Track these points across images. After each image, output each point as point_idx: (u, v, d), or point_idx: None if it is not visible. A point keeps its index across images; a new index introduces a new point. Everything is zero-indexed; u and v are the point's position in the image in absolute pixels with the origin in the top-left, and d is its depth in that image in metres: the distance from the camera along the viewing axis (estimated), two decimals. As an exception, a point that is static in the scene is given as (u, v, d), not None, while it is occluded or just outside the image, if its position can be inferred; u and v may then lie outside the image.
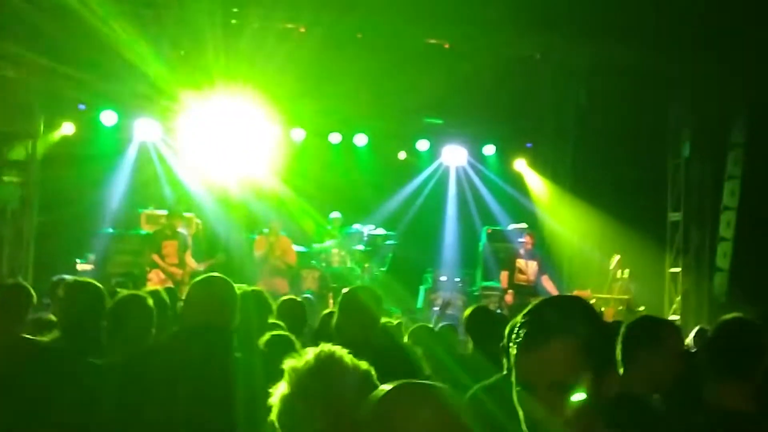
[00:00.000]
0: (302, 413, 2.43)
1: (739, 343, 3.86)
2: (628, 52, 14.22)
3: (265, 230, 14.59)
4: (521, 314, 2.12)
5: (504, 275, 14.11)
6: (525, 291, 13.62)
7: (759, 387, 3.73)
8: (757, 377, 3.76)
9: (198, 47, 14.23)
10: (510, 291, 13.83)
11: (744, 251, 14.02)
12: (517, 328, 2.10)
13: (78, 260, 13.97)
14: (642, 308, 13.44)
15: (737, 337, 3.90)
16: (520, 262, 14.02)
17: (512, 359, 2.10)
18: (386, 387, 1.98)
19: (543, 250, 16.51)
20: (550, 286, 14.05)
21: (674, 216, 15.59)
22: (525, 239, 14.26)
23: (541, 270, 14.12)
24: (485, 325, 6.60)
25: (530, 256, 14.13)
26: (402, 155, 17.14)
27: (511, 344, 2.11)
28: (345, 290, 5.44)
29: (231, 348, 4.22)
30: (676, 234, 15.52)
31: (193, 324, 4.30)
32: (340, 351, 2.56)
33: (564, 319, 2.07)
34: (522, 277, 13.97)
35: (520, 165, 17.29)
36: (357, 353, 2.59)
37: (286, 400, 2.46)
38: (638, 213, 14.78)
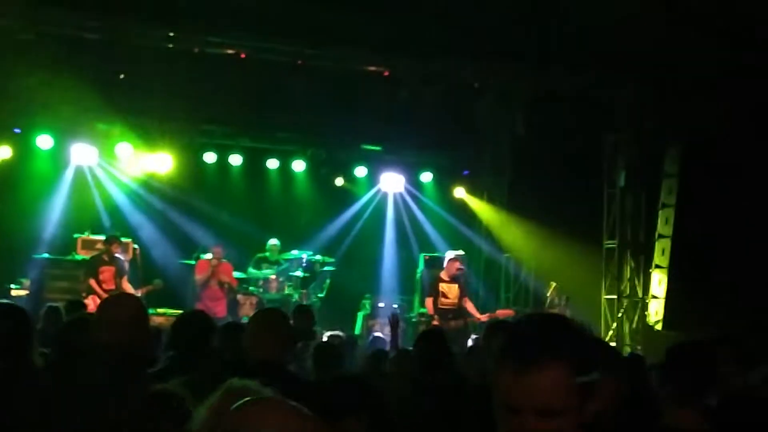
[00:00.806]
0: None
1: (693, 367, 3.97)
2: (565, 80, 14.51)
3: (207, 255, 14.53)
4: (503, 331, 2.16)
5: (429, 302, 14.13)
6: (448, 315, 13.74)
7: (713, 409, 3.83)
8: (711, 399, 3.86)
9: (137, 71, 14.18)
10: (436, 316, 13.88)
11: (678, 278, 14.30)
12: (501, 349, 2.06)
13: (12, 286, 13.72)
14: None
15: (691, 361, 4.01)
16: (443, 287, 14.09)
17: (496, 379, 2.06)
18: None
19: (480, 276, 16.72)
20: (471, 308, 14.05)
21: (610, 243, 15.84)
22: (452, 263, 14.29)
23: (462, 293, 14.18)
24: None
25: (453, 279, 14.20)
26: (339, 181, 17.17)
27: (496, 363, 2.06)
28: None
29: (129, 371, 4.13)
30: (612, 261, 15.76)
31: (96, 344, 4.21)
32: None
33: (556, 341, 2.03)
34: (446, 301, 13.99)
35: (458, 192, 17.45)
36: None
37: None
38: (575, 240, 14.98)
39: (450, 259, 14.34)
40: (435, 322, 13.72)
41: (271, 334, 4.95)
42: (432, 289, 14.18)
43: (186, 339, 5.01)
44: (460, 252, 15.84)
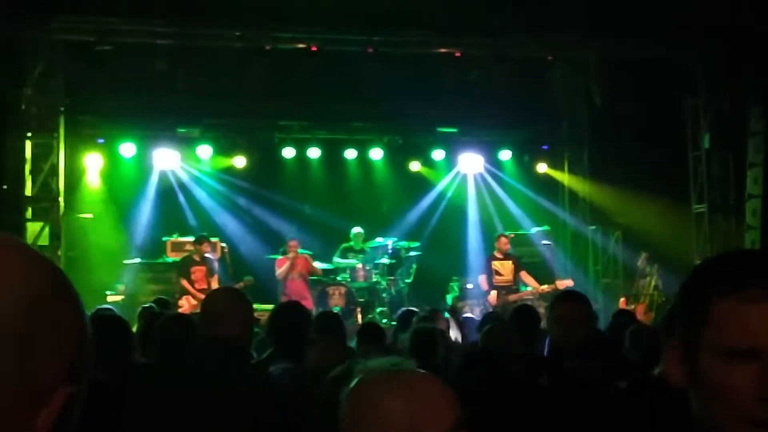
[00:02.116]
0: None
1: None
2: (639, 45, 14.28)
3: (296, 248, 14.68)
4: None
5: (482, 279, 14.29)
6: (503, 291, 13.95)
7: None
8: None
9: (210, 73, 14.42)
10: (493, 292, 14.00)
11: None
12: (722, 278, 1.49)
13: (108, 292, 14.06)
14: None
15: None
16: (496, 264, 14.18)
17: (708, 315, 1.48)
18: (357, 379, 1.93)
19: (567, 250, 16.60)
20: (529, 281, 14.18)
21: (699, 207, 15.53)
22: (501, 241, 14.41)
23: (518, 267, 14.25)
24: None
25: (506, 256, 14.28)
26: (416, 166, 17.19)
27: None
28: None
29: (242, 360, 4.20)
30: (702, 225, 15.47)
31: (203, 336, 4.29)
32: None
33: None
34: (500, 278, 14.14)
35: (539, 167, 17.34)
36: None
37: None
38: (662, 207, 14.78)
39: (499, 236, 14.50)
40: (491, 297, 13.90)
41: None
42: (485, 268, 14.34)
43: (285, 330, 5.09)
44: (545, 227, 15.86)
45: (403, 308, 10.60)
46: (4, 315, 0.99)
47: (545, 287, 13.91)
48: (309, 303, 14.46)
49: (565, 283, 13.98)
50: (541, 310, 9.11)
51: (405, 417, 1.81)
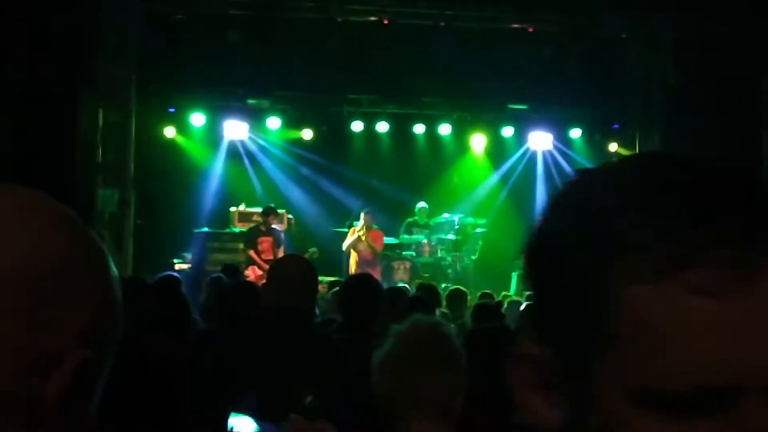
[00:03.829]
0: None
1: None
2: (716, 24, 13.98)
3: (356, 222, 14.71)
4: None
5: None
6: None
7: None
8: None
9: (282, 44, 14.45)
10: None
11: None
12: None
13: (175, 260, 14.22)
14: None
15: None
16: None
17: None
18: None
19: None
20: None
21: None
22: None
23: None
24: None
25: None
26: (486, 142, 17.06)
27: None
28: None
29: (306, 329, 4.19)
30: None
31: (271, 304, 4.29)
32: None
33: None
34: None
35: (610, 146, 17.11)
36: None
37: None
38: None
39: None
40: None
41: None
42: None
43: (356, 301, 5.07)
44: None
45: None
46: (16, 272, 0.96)
47: None
48: (377, 276, 14.51)
49: None
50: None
51: None
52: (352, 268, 14.28)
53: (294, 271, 4.24)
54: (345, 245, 14.66)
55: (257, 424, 1.07)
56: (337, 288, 7.48)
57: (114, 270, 1.06)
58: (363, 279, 5.93)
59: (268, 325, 4.15)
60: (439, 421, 2.65)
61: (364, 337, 4.75)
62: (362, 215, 14.69)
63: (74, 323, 0.99)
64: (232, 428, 1.08)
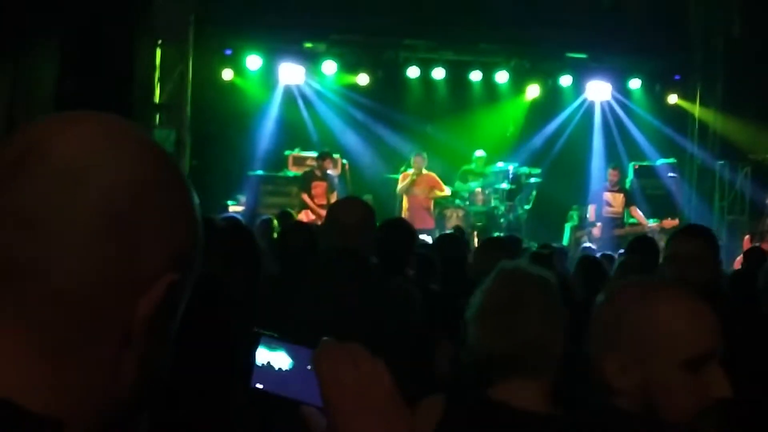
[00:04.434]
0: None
1: None
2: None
3: (409, 168, 14.66)
4: None
5: (591, 209, 14.42)
6: (613, 223, 14.12)
7: None
8: None
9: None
10: (598, 224, 14.12)
11: None
12: None
13: (229, 202, 14.30)
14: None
15: None
16: (608, 195, 14.30)
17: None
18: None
19: (693, 184, 16.20)
20: (638, 216, 14.27)
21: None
22: (611, 173, 14.50)
23: (629, 201, 14.34)
24: None
25: (617, 188, 14.37)
26: (542, 92, 16.89)
27: None
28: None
29: (363, 271, 4.17)
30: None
31: (327, 247, 4.26)
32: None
33: None
34: (609, 209, 14.25)
35: (670, 98, 16.85)
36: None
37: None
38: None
39: (611, 168, 14.58)
40: (595, 230, 14.12)
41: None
42: (596, 198, 14.48)
43: (390, 244, 5.06)
44: (672, 160, 15.52)
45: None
46: (110, 196, 0.98)
47: (654, 224, 13.90)
48: (431, 221, 14.48)
49: (672, 223, 13.82)
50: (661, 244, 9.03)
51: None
52: (404, 213, 14.26)
53: (351, 214, 4.22)
54: (398, 190, 14.66)
55: (290, 351, 1.06)
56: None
57: (194, 193, 1.08)
58: (395, 222, 5.93)
59: (325, 266, 4.15)
60: (537, 379, 2.50)
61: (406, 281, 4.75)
62: (413, 158, 14.64)
63: (164, 246, 1.01)
64: (264, 364, 1.06)
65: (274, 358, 1.16)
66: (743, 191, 15.81)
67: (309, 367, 1.13)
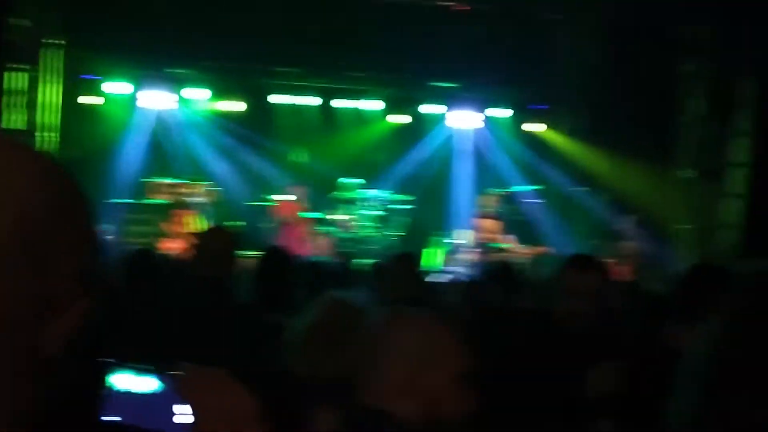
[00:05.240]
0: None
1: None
2: (642, 11, 14.19)
3: (288, 196, 14.54)
4: None
5: (467, 234, 14.77)
6: (486, 249, 14.22)
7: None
8: None
9: (208, 14, 14.27)
10: (474, 250, 14.39)
11: (757, 207, 14.04)
12: None
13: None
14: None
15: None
16: (483, 222, 14.58)
17: None
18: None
19: (557, 210, 16.61)
20: (513, 244, 14.48)
21: (686, 173, 15.63)
22: (487, 199, 14.81)
23: (503, 228, 14.62)
24: None
25: (492, 215, 14.64)
26: (411, 119, 17.10)
27: None
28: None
29: (226, 297, 4.16)
30: (688, 190, 15.55)
31: (193, 275, 4.24)
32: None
33: None
34: (484, 235, 14.46)
35: (535, 127, 17.27)
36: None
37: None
38: (652, 171, 14.84)
39: (487, 194, 14.93)
40: (470, 255, 14.35)
41: None
42: (472, 224, 14.74)
43: (272, 273, 5.05)
44: (537, 186, 15.93)
45: None
46: (22, 218, 0.96)
47: (526, 250, 14.18)
48: (309, 248, 14.42)
49: (541, 250, 14.23)
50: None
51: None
52: (279, 241, 14.15)
53: (218, 243, 4.20)
54: (282, 218, 14.50)
55: (146, 378, 1.04)
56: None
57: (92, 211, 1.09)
58: (277, 252, 5.90)
59: (189, 295, 4.10)
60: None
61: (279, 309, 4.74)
62: (295, 189, 14.58)
63: (74, 267, 1.00)
64: (121, 390, 1.04)
65: (129, 385, 1.13)
66: (603, 217, 16.32)
67: (171, 395, 1.10)
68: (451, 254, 15.41)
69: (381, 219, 15.49)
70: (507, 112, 17.23)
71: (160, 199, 14.54)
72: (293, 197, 14.51)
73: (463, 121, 17.18)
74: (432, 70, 16.08)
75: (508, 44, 15.09)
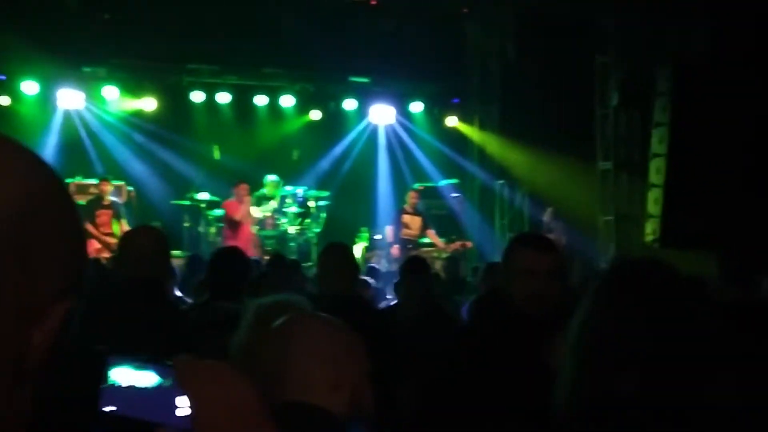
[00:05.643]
0: None
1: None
2: (554, 3, 14.37)
3: (232, 196, 14.28)
4: None
5: (389, 230, 14.75)
6: (408, 245, 14.31)
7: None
8: None
9: (120, 12, 14.06)
10: (396, 245, 14.41)
11: (674, 197, 14.32)
12: None
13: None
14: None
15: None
16: (406, 218, 14.60)
17: None
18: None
19: (475, 203, 16.79)
20: (434, 238, 14.64)
21: (604, 164, 15.87)
22: (411, 195, 14.85)
23: (426, 224, 14.67)
24: None
25: (414, 211, 14.67)
26: (326, 116, 17.09)
27: None
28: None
29: (161, 299, 4.14)
30: (607, 182, 15.80)
31: (123, 276, 4.19)
32: None
33: None
34: (408, 231, 14.53)
35: (450, 120, 17.40)
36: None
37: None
38: (569, 163, 15.03)
39: (410, 191, 14.98)
40: (394, 250, 14.44)
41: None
42: (395, 220, 14.73)
43: (228, 274, 5.02)
44: (454, 180, 16.03)
45: None
46: (7, 219, 0.93)
47: (448, 246, 14.43)
48: (255, 249, 14.17)
49: (465, 245, 14.56)
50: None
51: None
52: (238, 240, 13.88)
53: (147, 242, 4.15)
54: (233, 218, 14.15)
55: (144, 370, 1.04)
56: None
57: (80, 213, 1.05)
58: (233, 253, 5.85)
59: (124, 296, 4.04)
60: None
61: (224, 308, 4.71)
62: (239, 185, 14.25)
63: (62, 268, 0.98)
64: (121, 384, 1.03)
65: (129, 379, 1.13)
66: (522, 209, 16.53)
67: (168, 385, 1.10)
68: (371, 250, 15.46)
69: (300, 216, 15.41)
70: (422, 107, 17.34)
71: (76, 201, 14.24)
72: (245, 195, 14.22)
73: (379, 116, 17.24)
74: (345, 65, 16.09)
75: (418, 38, 15.17)
